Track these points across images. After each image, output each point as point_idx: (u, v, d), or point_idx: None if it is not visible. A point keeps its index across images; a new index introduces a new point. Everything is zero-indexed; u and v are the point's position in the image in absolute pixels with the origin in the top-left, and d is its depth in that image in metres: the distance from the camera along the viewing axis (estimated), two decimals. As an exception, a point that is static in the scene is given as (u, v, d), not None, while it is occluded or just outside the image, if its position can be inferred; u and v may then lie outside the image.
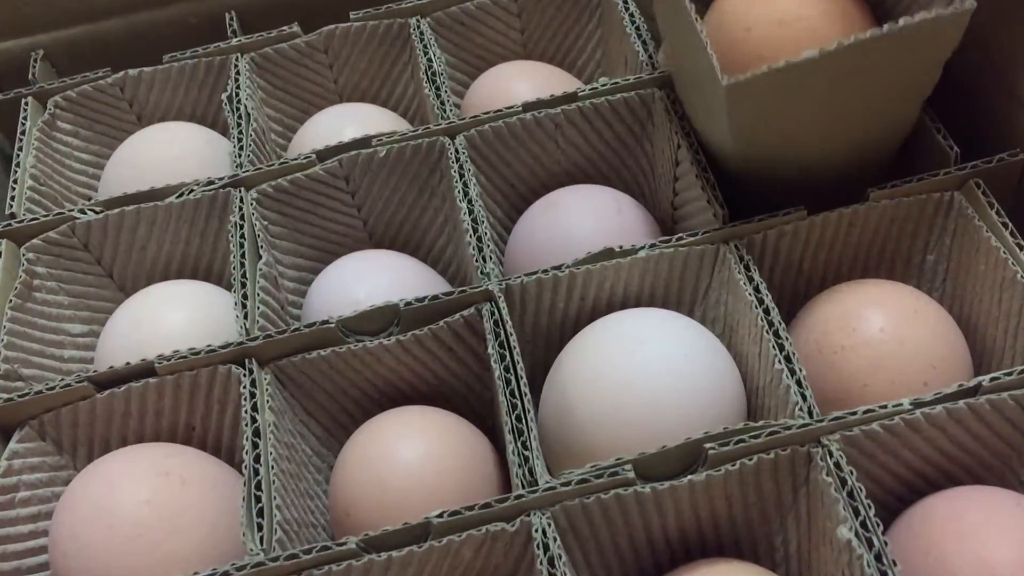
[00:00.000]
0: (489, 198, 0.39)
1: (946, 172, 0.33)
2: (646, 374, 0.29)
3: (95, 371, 0.32)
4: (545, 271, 0.33)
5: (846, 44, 0.27)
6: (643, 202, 0.39)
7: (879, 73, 0.28)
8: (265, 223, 0.37)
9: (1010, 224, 0.31)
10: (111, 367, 0.32)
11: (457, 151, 0.37)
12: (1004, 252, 0.31)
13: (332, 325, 0.32)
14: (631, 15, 0.41)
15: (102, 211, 0.37)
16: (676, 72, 0.36)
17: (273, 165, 0.37)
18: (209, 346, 0.32)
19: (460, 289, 0.33)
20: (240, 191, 0.37)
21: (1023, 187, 0.33)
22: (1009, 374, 0.28)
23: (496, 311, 0.32)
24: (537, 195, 0.39)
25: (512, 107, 0.38)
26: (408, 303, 0.32)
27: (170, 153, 0.41)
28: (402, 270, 0.37)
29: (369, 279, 0.36)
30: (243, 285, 0.34)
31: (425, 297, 0.32)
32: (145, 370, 0.32)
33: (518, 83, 0.42)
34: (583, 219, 0.36)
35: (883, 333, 0.31)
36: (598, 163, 0.40)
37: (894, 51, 0.28)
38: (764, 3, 0.31)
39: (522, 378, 0.30)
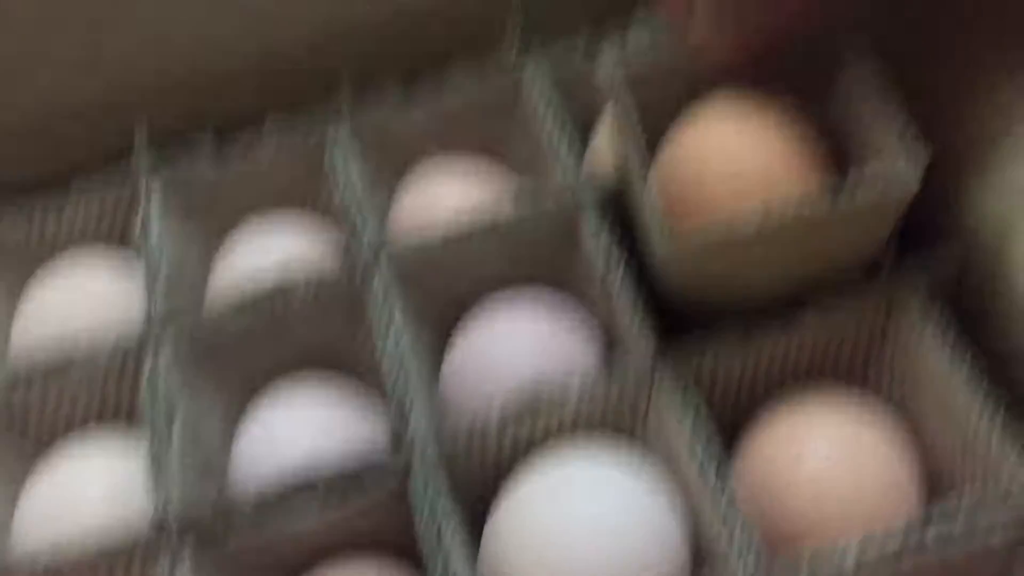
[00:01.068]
0: (419, 319, 0.37)
1: (882, 279, 0.32)
2: (579, 534, 0.28)
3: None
4: (472, 418, 0.31)
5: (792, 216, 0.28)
6: (583, 306, 0.38)
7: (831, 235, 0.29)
8: (182, 370, 0.35)
9: (950, 332, 0.30)
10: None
11: (381, 275, 0.36)
12: (945, 363, 0.30)
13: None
14: (553, 113, 0.40)
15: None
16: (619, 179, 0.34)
17: (188, 309, 0.36)
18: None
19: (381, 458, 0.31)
20: (154, 338, 0.35)
21: (962, 290, 0.32)
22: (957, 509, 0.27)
23: (424, 475, 0.31)
24: (469, 311, 0.37)
25: (437, 224, 0.36)
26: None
27: (84, 289, 0.39)
28: (329, 410, 0.35)
29: (293, 427, 0.34)
30: (157, 447, 0.32)
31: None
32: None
33: (445, 187, 0.41)
34: (515, 341, 0.35)
35: (829, 462, 0.30)
36: (531, 275, 0.38)
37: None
38: (718, 149, 0.30)
39: (455, 537, 0.29)
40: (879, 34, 0.30)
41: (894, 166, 0.28)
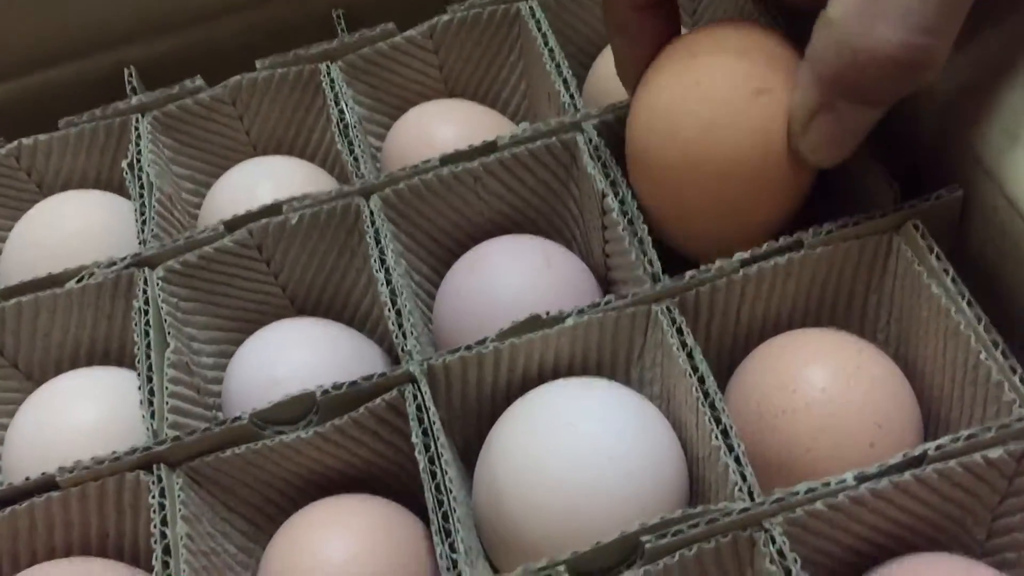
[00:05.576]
0: (412, 255, 0.37)
1: (882, 214, 0.31)
2: (577, 459, 0.28)
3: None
4: (469, 347, 0.31)
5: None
6: (575, 248, 0.38)
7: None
8: (175, 300, 0.35)
9: (951, 269, 0.30)
10: (10, 483, 0.30)
11: (372, 213, 0.35)
12: (946, 300, 0.30)
13: (245, 421, 0.30)
14: (550, 50, 0.39)
15: (-3, 302, 0.35)
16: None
17: (179, 240, 0.35)
18: (114, 453, 0.30)
19: (380, 373, 0.31)
20: (144, 271, 0.35)
21: (964, 227, 0.32)
22: (955, 440, 0.26)
23: (419, 394, 0.30)
24: (463, 247, 0.37)
25: (428, 161, 0.36)
26: (326, 391, 0.30)
27: (73, 226, 0.38)
28: (325, 340, 0.35)
29: (289, 355, 0.34)
30: (149, 380, 0.32)
31: (343, 384, 0.30)
32: (47, 483, 0.30)
33: (438, 126, 0.40)
34: (510, 277, 0.34)
35: (824, 394, 0.29)
36: (525, 211, 0.38)
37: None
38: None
39: (447, 472, 0.28)
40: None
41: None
